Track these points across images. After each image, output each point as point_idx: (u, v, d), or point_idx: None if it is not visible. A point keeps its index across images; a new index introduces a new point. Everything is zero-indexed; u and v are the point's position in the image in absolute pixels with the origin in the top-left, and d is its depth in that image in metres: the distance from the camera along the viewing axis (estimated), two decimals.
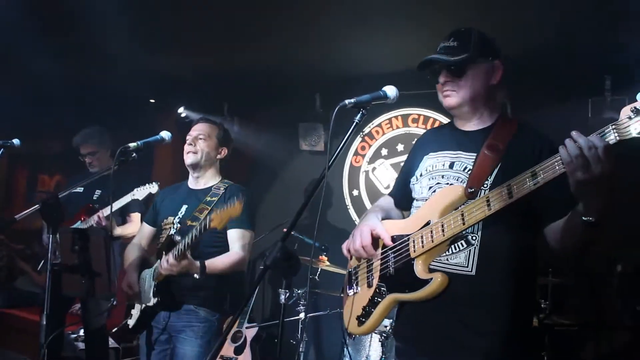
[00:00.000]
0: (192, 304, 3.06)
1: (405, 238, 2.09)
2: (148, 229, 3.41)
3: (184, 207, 3.21)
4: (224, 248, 3.13)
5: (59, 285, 2.85)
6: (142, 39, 4.44)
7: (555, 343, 4.06)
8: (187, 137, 3.29)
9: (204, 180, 3.30)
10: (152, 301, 3.02)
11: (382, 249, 2.18)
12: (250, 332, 4.78)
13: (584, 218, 1.70)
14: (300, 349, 4.45)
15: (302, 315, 4.58)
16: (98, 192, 4.45)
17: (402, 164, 5.34)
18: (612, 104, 4.43)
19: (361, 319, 2.18)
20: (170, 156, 6.65)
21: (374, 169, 5.61)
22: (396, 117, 5.50)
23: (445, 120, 5.14)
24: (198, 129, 3.30)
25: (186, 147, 3.26)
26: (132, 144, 2.81)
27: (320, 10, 3.99)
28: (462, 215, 1.92)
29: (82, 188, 4.32)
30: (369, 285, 2.19)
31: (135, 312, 3.14)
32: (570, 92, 4.61)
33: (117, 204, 4.19)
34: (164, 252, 2.95)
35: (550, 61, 4.54)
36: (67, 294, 2.91)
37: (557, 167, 1.68)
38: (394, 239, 2.13)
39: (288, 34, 4.51)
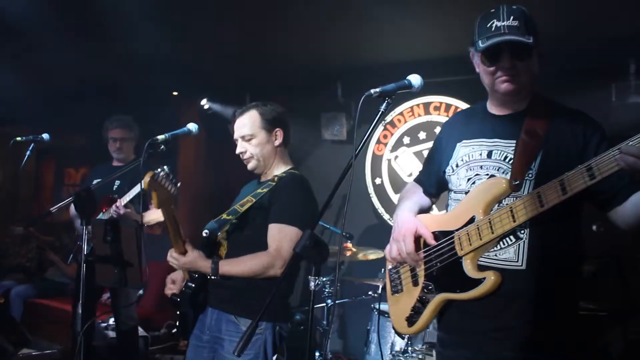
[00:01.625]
0: (231, 312, 2.67)
1: (450, 236, 2.03)
2: None
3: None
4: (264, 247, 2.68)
5: (92, 275, 2.91)
6: (165, 32, 4.48)
7: (582, 328, 4.05)
8: (235, 139, 2.90)
9: (271, 171, 2.90)
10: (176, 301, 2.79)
11: (424, 247, 2.12)
12: None
13: None
14: (327, 336, 4.50)
15: (328, 302, 4.60)
16: (117, 182, 4.48)
17: (424, 152, 5.39)
18: (636, 89, 4.38)
19: (411, 319, 2.13)
20: (194, 147, 6.75)
21: (396, 157, 5.62)
22: (418, 105, 5.49)
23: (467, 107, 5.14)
24: (239, 128, 2.86)
25: (239, 154, 2.88)
26: (160, 137, 2.73)
27: None
28: (512, 212, 1.86)
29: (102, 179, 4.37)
30: (415, 284, 2.14)
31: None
32: (594, 76, 4.57)
33: (132, 192, 4.17)
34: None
35: (573, 45, 4.50)
36: (100, 284, 2.96)
37: (615, 165, 1.63)
38: (436, 235, 2.08)
39: (309, 23, 4.52)
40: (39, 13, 4.24)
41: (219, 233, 2.78)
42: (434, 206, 2.46)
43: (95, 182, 3.88)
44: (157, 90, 6.18)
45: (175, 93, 6.63)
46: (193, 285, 2.74)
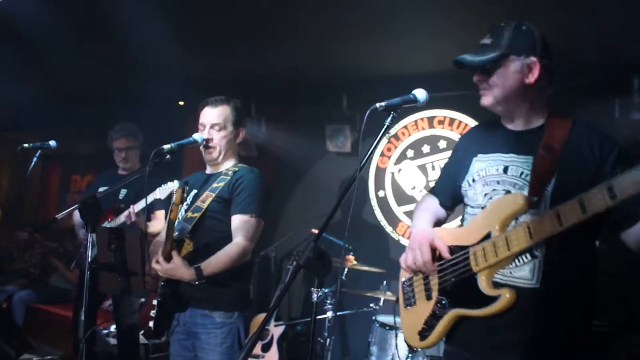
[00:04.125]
0: (205, 308, 2.85)
1: (465, 251, 2.01)
2: None
3: (193, 193, 3.03)
4: (227, 235, 2.87)
5: (95, 282, 2.92)
6: (172, 42, 4.51)
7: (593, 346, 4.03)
8: (200, 127, 3.03)
9: (222, 165, 3.08)
10: (155, 302, 2.90)
11: (439, 261, 2.10)
12: (277, 330, 4.84)
13: None
14: (328, 347, 4.50)
15: (329, 314, 4.60)
16: (123, 191, 4.48)
17: (427, 165, 5.39)
18: None
19: (424, 334, 2.11)
20: (199, 157, 6.76)
21: (399, 170, 5.63)
22: (422, 118, 5.51)
23: (471, 122, 5.16)
24: (211, 115, 3.02)
25: (206, 139, 3.01)
26: (166, 146, 2.75)
27: (347, 11, 4.02)
28: (529, 229, 1.83)
29: (108, 187, 4.36)
30: (428, 298, 2.12)
31: (154, 312, 2.96)
32: (597, 91, 4.57)
33: (142, 204, 4.06)
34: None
35: (576, 60, 4.52)
36: (103, 291, 2.97)
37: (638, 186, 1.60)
38: (451, 249, 2.06)
39: (314, 35, 4.55)
40: (47, 20, 4.26)
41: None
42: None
43: (101, 189, 3.89)
44: (164, 99, 6.21)
45: (181, 103, 6.66)
46: (169, 287, 2.86)
